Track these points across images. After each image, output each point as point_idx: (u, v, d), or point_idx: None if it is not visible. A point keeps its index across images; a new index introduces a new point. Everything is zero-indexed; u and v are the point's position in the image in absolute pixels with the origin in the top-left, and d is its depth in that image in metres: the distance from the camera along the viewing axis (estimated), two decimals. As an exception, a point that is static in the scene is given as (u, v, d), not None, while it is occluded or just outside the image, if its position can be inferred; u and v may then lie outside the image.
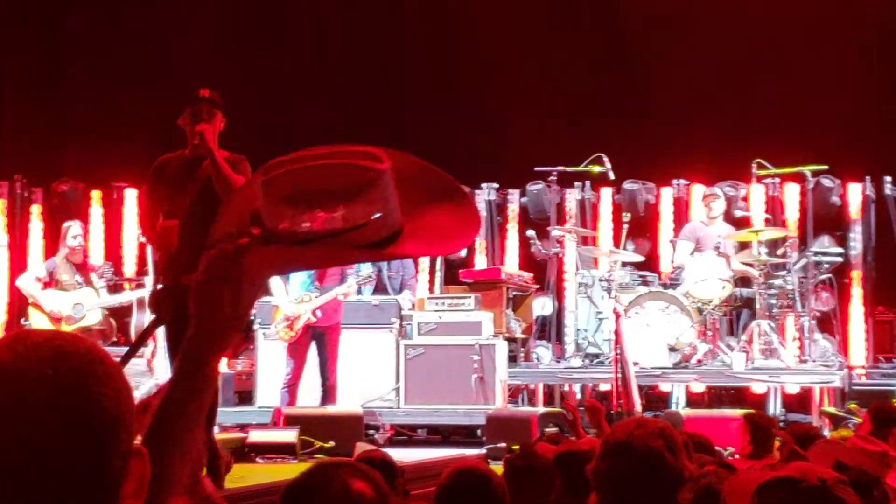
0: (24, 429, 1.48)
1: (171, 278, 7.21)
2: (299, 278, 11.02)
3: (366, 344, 11.80)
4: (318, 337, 11.09)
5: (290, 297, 11.03)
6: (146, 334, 3.35)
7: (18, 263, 13.78)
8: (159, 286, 7.35)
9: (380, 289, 12.26)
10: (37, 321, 11.69)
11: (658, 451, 3.63)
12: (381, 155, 2.24)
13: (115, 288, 12.69)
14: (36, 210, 14.27)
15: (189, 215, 7.16)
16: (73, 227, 12.03)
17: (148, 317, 10.98)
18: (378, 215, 2.20)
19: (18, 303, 13.22)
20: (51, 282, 11.89)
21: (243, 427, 10.44)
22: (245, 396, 12.50)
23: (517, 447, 5.43)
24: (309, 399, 11.06)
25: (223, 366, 12.02)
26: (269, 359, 11.69)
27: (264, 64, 15.38)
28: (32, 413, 1.49)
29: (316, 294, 10.92)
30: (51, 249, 13.15)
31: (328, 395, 10.99)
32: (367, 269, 11.44)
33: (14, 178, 14.24)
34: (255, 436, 9.80)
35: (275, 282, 11.03)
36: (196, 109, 7.31)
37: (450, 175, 2.42)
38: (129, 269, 14.12)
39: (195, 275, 2.08)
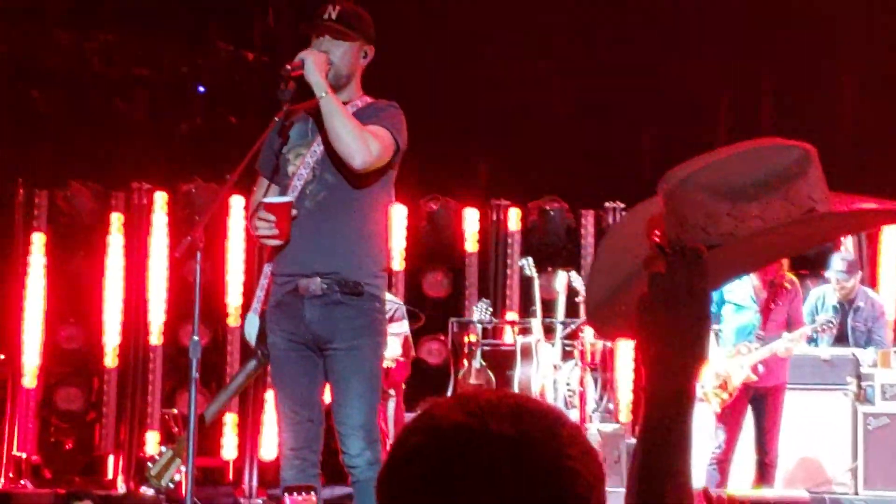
0: (492, 496, 1.49)
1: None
2: (738, 324, 9.65)
3: (812, 409, 10.64)
4: (758, 400, 9.89)
5: (722, 348, 9.53)
6: None
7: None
8: None
9: (839, 339, 10.66)
10: None
11: None
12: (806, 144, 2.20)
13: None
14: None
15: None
16: None
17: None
18: (814, 206, 2.07)
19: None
20: None
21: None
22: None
23: None
24: (740, 477, 10.07)
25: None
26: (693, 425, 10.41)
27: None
28: (499, 479, 1.49)
29: (757, 345, 9.45)
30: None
31: (766, 473, 9.97)
32: (825, 314, 10.27)
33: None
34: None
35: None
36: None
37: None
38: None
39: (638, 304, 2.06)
